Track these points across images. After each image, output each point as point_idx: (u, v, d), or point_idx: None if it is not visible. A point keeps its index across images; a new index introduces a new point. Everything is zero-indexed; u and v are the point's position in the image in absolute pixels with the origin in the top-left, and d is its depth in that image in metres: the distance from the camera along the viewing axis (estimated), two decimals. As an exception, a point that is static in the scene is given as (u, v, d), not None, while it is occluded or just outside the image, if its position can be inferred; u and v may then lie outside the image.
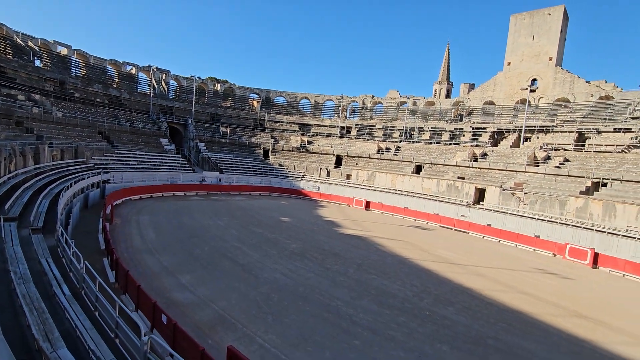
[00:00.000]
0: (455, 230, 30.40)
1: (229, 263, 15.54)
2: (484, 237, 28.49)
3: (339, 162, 48.34)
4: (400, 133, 52.31)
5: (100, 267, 12.99)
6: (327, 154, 49.94)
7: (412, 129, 52.13)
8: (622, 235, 22.63)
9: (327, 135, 55.94)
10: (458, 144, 45.38)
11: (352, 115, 61.62)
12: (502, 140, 43.85)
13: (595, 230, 24.05)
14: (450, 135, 47.96)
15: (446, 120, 52.05)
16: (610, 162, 31.17)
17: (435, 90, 71.36)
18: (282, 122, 58.72)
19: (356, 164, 46.97)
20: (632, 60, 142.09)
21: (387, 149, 47.86)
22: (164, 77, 54.55)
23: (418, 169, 42.23)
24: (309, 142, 52.55)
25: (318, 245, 19.95)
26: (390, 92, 61.40)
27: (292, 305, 11.70)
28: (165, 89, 54.72)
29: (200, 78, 55.68)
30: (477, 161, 38.66)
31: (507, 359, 9.51)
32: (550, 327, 11.77)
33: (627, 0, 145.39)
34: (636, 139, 33.31)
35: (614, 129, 36.56)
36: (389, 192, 38.05)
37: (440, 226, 31.44)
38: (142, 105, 48.40)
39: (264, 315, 10.78)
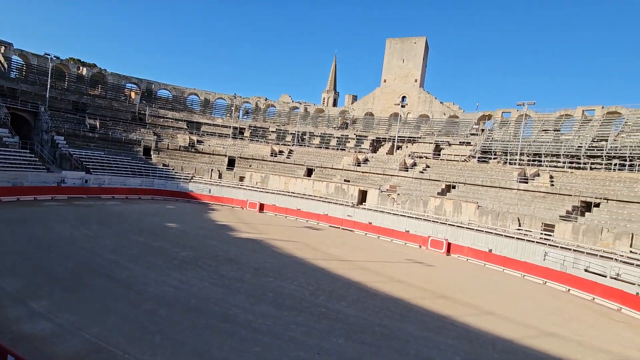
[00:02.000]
0: (342, 229, 33.01)
1: (103, 280, 13.37)
2: (366, 234, 31.78)
3: (231, 163, 46.78)
4: (293, 137, 53.91)
5: None
6: (219, 155, 47.73)
7: (304, 133, 54.35)
8: (466, 228, 28.47)
9: (219, 135, 53.49)
10: (344, 150, 49.43)
11: (245, 116, 60.48)
12: (380, 148, 49.72)
13: (448, 224, 29.56)
14: (337, 141, 51.83)
15: (334, 127, 56.08)
16: (457, 169, 38.75)
17: (324, 99, 76.05)
18: (167, 117, 53.44)
19: (250, 165, 46.31)
20: (471, 87, 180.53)
21: (281, 152, 48.70)
22: (2, 51, 43.16)
23: (309, 172, 44.28)
24: (199, 142, 49.29)
25: (211, 252, 18.96)
26: (283, 97, 62.68)
27: (184, 319, 10.84)
28: (6, 66, 43.37)
29: (58, 57, 46.00)
30: (360, 166, 42.86)
31: (391, 342, 10.92)
32: (421, 308, 14.02)
33: (470, 39, 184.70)
34: (474, 151, 42.32)
35: (460, 142, 45.63)
36: (283, 194, 38.78)
37: (330, 226, 33.68)
38: (-33, 84, 37.25)
39: (150, 336, 9.67)
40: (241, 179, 42.86)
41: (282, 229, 29.56)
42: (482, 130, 46.69)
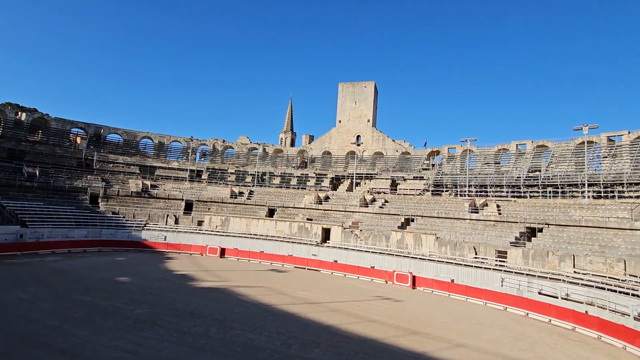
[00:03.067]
0: (308, 269, 32.37)
1: (42, 352, 11.66)
2: (332, 273, 31.41)
3: (189, 207, 44.83)
4: (253, 177, 53.48)
5: None
6: (175, 199, 45.62)
7: (264, 173, 54.24)
8: (428, 260, 29.32)
9: (175, 179, 51.50)
10: (305, 188, 49.83)
11: (202, 159, 59.23)
12: (339, 185, 50.86)
13: (411, 257, 30.26)
14: (297, 180, 52.26)
15: (293, 167, 56.73)
16: (414, 203, 40.53)
17: (282, 139, 77.41)
18: (117, 162, 50.66)
19: (209, 209, 44.68)
20: (419, 125, 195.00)
21: (241, 193, 47.83)
22: None
23: (271, 212, 43.69)
24: (153, 186, 46.97)
25: (170, 306, 17.51)
26: (241, 138, 62.85)
27: (145, 388, 9.70)
28: None
29: (-8, 103, 42.69)
30: (321, 204, 43.24)
31: (369, 387, 10.55)
32: (396, 348, 13.85)
33: (416, 82, 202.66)
34: (427, 185, 44.82)
35: (413, 177, 48.21)
36: (245, 237, 37.56)
37: (295, 267, 32.89)
38: None
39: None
40: (200, 223, 41.05)
41: (246, 274, 28.32)
42: (433, 165, 49.94)
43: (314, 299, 21.19)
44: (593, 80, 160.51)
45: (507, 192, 37.70)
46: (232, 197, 46.40)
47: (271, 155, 60.08)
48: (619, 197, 29.78)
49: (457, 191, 41.15)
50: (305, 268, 32.58)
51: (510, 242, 28.86)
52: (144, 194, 44.85)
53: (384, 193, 45.42)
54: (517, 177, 37.87)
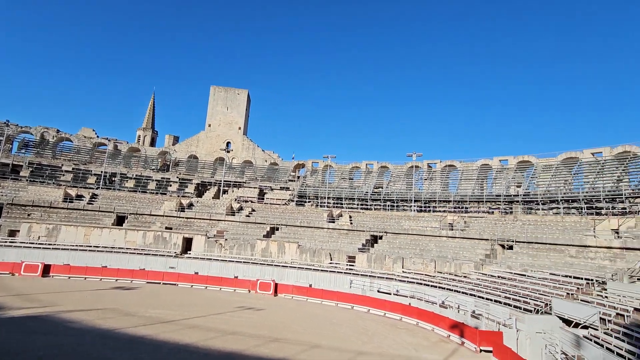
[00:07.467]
0: (163, 284, 29.45)
1: None
2: (192, 286, 29.48)
3: (-5, 213, 34.36)
4: (98, 179, 45.16)
5: None
6: (-30, 202, 34.17)
7: (113, 175, 46.61)
8: (289, 267, 30.97)
9: (-28, 174, 38.66)
10: (165, 194, 45.30)
11: (22, 151, 46.42)
12: (205, 192, 48.34)
13: (274, 265, 31.36)
14: (157, 184, 47.05)
15: (152, 169, 50.86)
16: (279, 212, 42.19)
17: (139, 136, 68.41)
18: None
19: (28, 215, 35.30)
20: (287, 138, 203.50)
21: (80, 197, 39.72)
22: None
23: (120, 220, 37.86)
24: None
25: (-41, 348, 13.08)
26: (84, 130, 52.49)
27: None
28: None
29: None
30: (184, 211, 40.17)
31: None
32: (257, 357, 14.11)
33: (286, 95, 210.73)
34: (292, 195, 47.41)
35: (280, 187, 50.19)
36: (81, 250, 31.31)
37: (148, 282, 29.40)
38: None
39: None
40: (12, 233, 32.01)
41: (81, 295, 23.62)
42: (298, 177, 53.27)
43: (169, 317, 19.46)
44: (422, 116, 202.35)
45: (358, 204, 43.56)
46: (66, 201, 38.03)
47: (125, 153, 52.20)
48: (433, 211, 38.51)
49: (318, 202, 45.04)
50: (160, 283, 29.48)
51: (359, 248, 33.42)
52: None
53: (252, 202, 45.65)
54: (366, 192, 44.27)
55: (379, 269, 29.70)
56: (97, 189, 42.96)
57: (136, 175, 47.71)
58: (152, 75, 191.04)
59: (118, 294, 24.87)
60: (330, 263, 31.39)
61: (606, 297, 16.97)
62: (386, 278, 27.67)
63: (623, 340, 12.27)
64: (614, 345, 12.18)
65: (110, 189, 44.19)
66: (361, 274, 28.89)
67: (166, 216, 38.85)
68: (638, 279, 17.85)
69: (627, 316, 14.09)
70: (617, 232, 23.49)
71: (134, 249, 32.91)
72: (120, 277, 29.54)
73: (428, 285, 24.85)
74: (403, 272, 28.64)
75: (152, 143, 68.81)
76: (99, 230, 33.90)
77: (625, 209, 27.25)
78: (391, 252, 31.85)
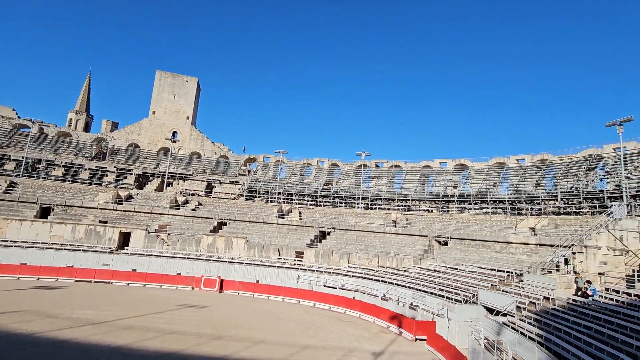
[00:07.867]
0: (95, 282, 27.19)
1: None
2: (129, 284, 27.61)
3: None
4: (18, 165, 40.07)
5: None
6: None
7: (38, 161, 41.69)
8: (237, 263, 30.34)
9: None
10: (100, 184, 41.67)
11: None
12: (147, 184, 45.34)
13: (221, 261, 30.50)
14: (91, 174, 43.04)
15: (86, 157, 46.41)
16: (228, 207, 41.02)
17: (71, 120, 61.95)
18: None
19: None
20: (238, 130, 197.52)
21: (-7, 185, 34.94)
22: None
23: (45, 212, 34.07)
24: None
25: None
26: (2, 109, 46.17)
27: None
28: None
29: None
30: (122, 203, 37.31)
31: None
32: (197, 357, 13.67)
33: (238, 86, 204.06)
34: (242, 190, 46.37)
35: (230, 181, 48.77)
36: (-6, 246, 27.68)
37: (77, 281, 26.94)
38: None
39: None
40: None
41: (-8, 296, 20.91)
42: (249, 171, 52.16)
43: (101, 318, 18.05)
44: (373, 115, 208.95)
45: (308, 200, 43.92)
46: (-25, 190, 33.25)
47: (53, 138, 46.93)
48: (379, 209, 40.18)
49: (269, 197, 44.58)
50: (91, 281, 27.15)
51: (307, 244, 33.76)
52: None
53: (199, 195, 43.78)
54: (316, 189, 44.78)
55: (326, 264, 30.31)
56: (16, 176, 38.11)
57: (66, 162, 43.13)
58: (89, 54, 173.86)
59: (39, 294, 22.45)
60: (279, 258, 31.34)
61: (522, 287, 19.15)
62: (333, 273, 28.35)
63: (534, 325, 13.98)
64: (527, 330, 13.83)
65: (34, 177, 39.51)
66: (309, 269, 29.26)
67: (101, 209, 35.74)
68: (548, 271, 20.40)
69: (537, 304, 16.06)
70: (534, 230, 26.53)
71: (61, 244, 29.87)
72: (43, 275, 26.63)
73: (371, 279, 25.95)
74: (349, 267, 29.56)
75: (87, 128, 62.72)
76: (17, 223, 30.21)
77: (540, 209, 30.92)
78: (338, 248, 32.66)
